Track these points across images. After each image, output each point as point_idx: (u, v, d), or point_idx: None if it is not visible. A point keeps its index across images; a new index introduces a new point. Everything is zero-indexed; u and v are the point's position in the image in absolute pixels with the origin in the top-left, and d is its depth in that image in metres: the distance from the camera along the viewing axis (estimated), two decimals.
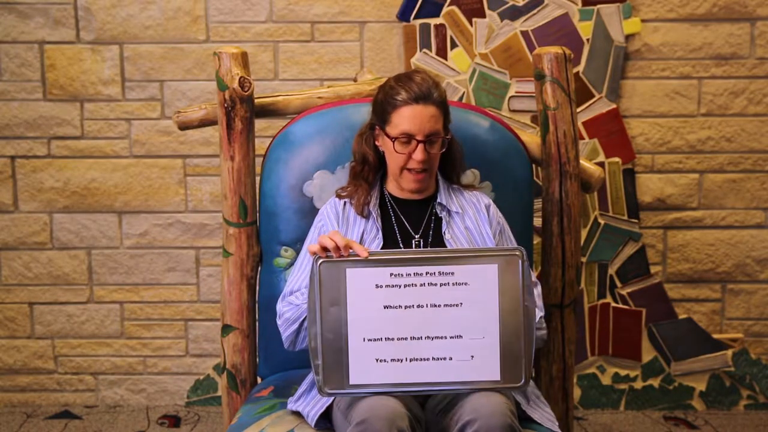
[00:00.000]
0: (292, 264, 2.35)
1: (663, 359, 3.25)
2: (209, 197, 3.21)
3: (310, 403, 2.03)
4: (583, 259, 3.18)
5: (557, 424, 2.04)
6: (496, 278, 1.88)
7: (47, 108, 3.17)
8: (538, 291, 2.16)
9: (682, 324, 3.24)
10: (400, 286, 1.87)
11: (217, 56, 2.32)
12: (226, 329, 2.40)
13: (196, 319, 3.27)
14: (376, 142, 2.15)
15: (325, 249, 1.89)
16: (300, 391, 2.10)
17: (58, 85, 3.15)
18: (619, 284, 3.22)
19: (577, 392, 3.25)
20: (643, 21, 3.09)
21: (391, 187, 2.17)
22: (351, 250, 1.89)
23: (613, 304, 3.23)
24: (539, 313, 2.08)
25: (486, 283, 1.87)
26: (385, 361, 1.87)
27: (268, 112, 2.45)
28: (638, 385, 3.26)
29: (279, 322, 2.11)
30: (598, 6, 3.08)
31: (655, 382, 3.26)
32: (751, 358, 3.26)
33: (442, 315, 1.87)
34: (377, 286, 1.88)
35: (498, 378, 1.87)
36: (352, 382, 1.86)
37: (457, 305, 1.87)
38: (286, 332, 2.09)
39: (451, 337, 1.87)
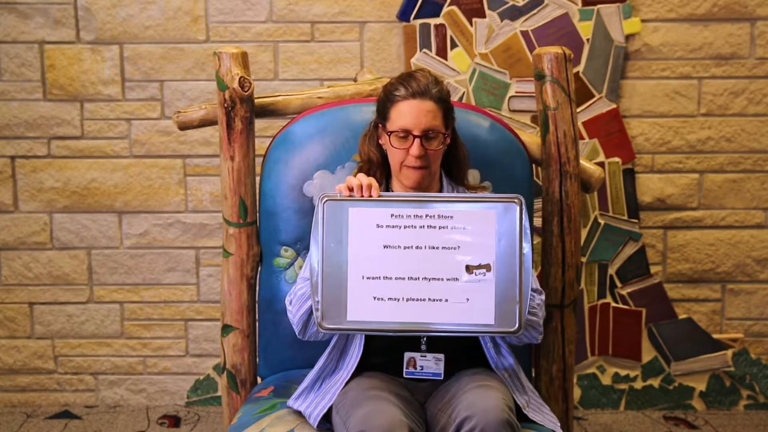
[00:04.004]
0: (292, 264, 2.36)
1: (663, 359, 3.25)
2: (209, 197, 3.20)
3: (312, 403, 2.03)
4: (583, 259, 3.18)
5: (559, 425, 2.04)
6: (494, 224, 1.93)
7: (47, 108, 3.17)
8: (541, 299, 2.11)
9: (682, 324, 3.24)
10: (399, 227, 1.94)
11: (217, 56, 2.32)
12: (226, 329, 2.40)
13: (196, 319, 3.27)
14: (380, 141, 2.15)
15: (350, 189, 1.99)
16: (300, 389, 2.10)
17: (58, 85, 3.15)
18: (619, 284, 3.22)
19: (577, 392, 3.25)
20: (643, 21, 3.09)
21: (396, 187, 2.18)
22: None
23: (613, 304, 3.22)
24: (537, 319, 2.07)
25: (484, 228, 1.93)
26: (382, 299, 1.92)
27: (268, 112, 2.45)
28: (638, 385, 3.26)
29: (289, 311, 2.12)
30: (598, 6, 3.07)
31: (655, 382, 3.26)
32: (751, 358, 3.26)
33: (440, 257, 1.92)
34: (378, 226, 1.94)
35: (492, 322, 1.90)
36: (349, 318, 1.91)
37: (454, 248, 1.93)
38: (296, 322, 2.11)
39: (447, 279, 1.92)
